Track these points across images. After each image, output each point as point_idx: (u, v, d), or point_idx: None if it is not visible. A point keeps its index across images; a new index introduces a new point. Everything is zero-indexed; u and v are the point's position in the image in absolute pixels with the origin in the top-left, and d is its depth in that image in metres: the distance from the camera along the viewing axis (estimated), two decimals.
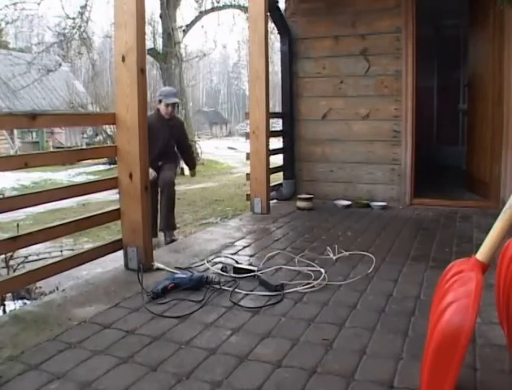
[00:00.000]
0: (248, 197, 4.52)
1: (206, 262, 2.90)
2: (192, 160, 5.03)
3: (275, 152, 4.94)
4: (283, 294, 2.37)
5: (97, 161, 13.39)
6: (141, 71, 2.69)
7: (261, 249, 3.21)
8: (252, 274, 2.62)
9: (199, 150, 14.07)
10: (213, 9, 14.13)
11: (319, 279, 2.53)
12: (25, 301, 3.44)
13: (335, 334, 1.94)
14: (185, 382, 1.62)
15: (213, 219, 6.17)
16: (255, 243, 3.43)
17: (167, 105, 4.34)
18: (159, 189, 4.34)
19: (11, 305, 3.32)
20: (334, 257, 2.96)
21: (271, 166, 4.55)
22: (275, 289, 2.40)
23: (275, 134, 5.13)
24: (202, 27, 15.14)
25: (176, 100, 4.46)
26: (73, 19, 12.52)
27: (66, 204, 7.00)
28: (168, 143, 4.47)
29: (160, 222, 4.36)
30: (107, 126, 12.63)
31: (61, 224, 2.63)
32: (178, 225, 6.08)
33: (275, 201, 4.92)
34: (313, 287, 2.45)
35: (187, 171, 12.26)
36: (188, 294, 2.35)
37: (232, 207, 6.88)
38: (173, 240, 4.19)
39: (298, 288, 2.43)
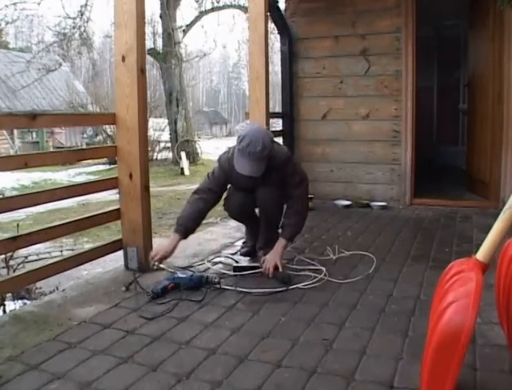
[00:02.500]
0: None
1: (206, 261, 2.90)
2: (294, 222, 2.72)
3: None
4: (287, 288, 2.42)
5: (97, 161, 13.40)
6: (141, 71, 2.70)
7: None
8: (257, 271, 2.65)
9: (199, 150, 14.08)
10: (213, 9, 14.13)
11: (321, 274, 2.57)
12: (25, 301, 3.44)
13: (335, 334, 1.94)
14: (185, 382, 1.62)
15: (213, 219, 6.16)
16: None
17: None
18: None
19: (11, 305, 3.33)
20: (334, 257, 2.97)
21: None
22: (283, 281, 2.45)
23: (275, 134, 5.12)
24: (202, 27, 15.15)
25: (247, 172, 2.49)
26: (73, 18, 12.51)
27: (66, 204, 7.01)
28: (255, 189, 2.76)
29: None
30: (107, 126, 12.62)
31: (61, 224, 2.63)
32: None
33: None
34: (318, 281, 2.49)
35: (187, 170, 12.33)
36: (188, 294, 2.35)
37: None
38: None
39: (299, 285, 2.45)
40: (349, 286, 2.50)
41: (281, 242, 2.69)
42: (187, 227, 2.65)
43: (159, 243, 2.84)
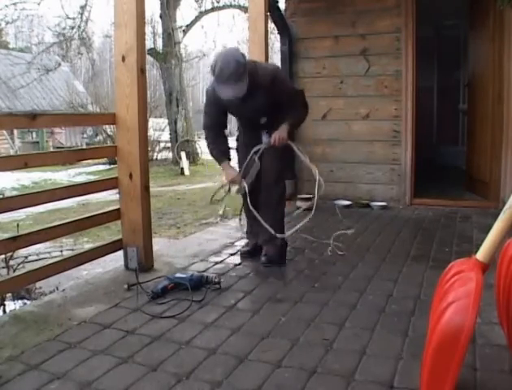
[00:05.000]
0: None
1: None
2: (296, 115, 2.87)
3: None
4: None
5: (97, 161, 13.38)
6: (141, 71, 2.70)
7: None
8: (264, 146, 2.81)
9: (199, 150, 14.07)
10: (213, 9, 14.12)
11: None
12: (25, 301, 3.44)
13: (335, 334, 1.94)
14: (185, 382, 1.62)
15: (213, 219, 6.17)
16: None
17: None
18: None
19: (11, 305, 3.33)
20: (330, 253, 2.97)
21: None
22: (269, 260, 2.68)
23: None
24: (202, 27, 15.15)
25: (232, 93, 2.55)
26: (73, 19, 12.51)
27: (66, 204, 7.00)
28: (255, 117, 2.86)
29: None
30: (107, 126, 12.62)
31: (61, 224, 2.63)
32: (177, 225, 6.09)
33: None
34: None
35: (187, 170, 12.33)
36: (188, 294, 2.35)
37: (232, 207, 6.89)
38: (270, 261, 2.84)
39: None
40: (349, 286, 2.50)
41: (284, 126, 2.79)
42: (226, 153, 2.90)
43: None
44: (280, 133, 2.76)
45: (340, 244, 3.08)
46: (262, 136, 2.80)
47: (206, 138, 2.95)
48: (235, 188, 2.94)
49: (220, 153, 2.90)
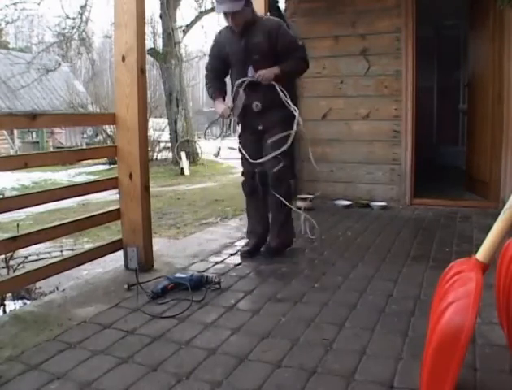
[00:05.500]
0: None
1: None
2: (293, 65, 2.92)
3: None
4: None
5: (97, 161, 13.38)
6: (141, 71, 2.70)
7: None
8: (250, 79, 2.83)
9: (199, 150, 14.06)
10: (213, 9, 14.10)
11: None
12: (25, 301, 3.44)
13: (335, 334, 1.94)
14: (185, 382, 1.62)
15: (213, 219, 6.17)
16: None
17: (225, 14, 2.82)
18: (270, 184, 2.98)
19: (11, 305, 3.33)
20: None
21: None
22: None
23: None
24: (202, 27, 15.15)
25: (226, 8, 2.74)
26: (73, 19, 12.51)
27: (66, 204, 7.00)
28: (252, 61, 2.87)
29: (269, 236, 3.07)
30: (107, 126, 12.61)
31: (61, 224, 2.63)
32: (177, 225, 6.10)
33: None
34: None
35: (187, 170, 12.34)
36: (188, 294, 2.35)
37: (232, 207, 6.88)
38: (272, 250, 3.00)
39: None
40: (349, 286, 2.50)
41: (274, 68, 2.84)
42: (221, 90, 3.02)
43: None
44: (267, 72, 2.82)
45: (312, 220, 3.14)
46: (249, 70, 2.87)
47: (206, 77, 3.08)
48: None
49: (216, 90, 3.01)
